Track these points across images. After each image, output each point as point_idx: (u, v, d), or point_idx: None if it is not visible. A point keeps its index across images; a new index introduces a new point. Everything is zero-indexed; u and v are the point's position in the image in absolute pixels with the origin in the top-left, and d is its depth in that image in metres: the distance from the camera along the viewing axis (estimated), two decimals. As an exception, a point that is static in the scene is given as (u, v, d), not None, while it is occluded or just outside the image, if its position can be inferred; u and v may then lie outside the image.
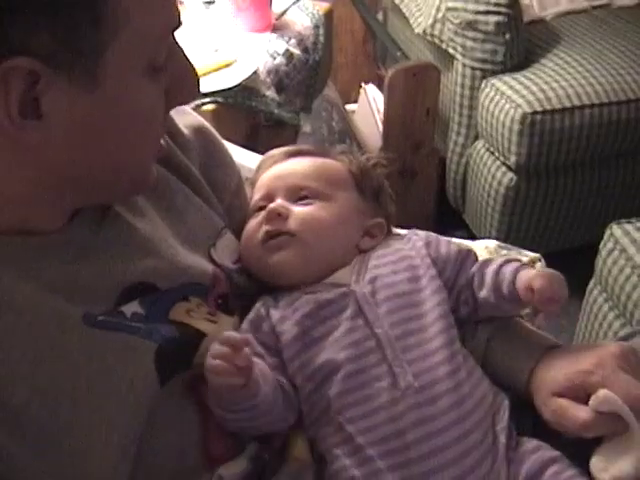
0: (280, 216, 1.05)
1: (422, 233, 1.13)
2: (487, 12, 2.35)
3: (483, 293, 1.04)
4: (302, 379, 0.97)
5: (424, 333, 0.99)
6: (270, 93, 2.08)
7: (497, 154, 2.42)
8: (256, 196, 1.13)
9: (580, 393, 0.95)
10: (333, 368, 0.96)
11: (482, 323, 1.07)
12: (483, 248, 1.62)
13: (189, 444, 0.92)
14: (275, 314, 1.01)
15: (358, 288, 1.02)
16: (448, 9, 2.43)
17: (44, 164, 0.82)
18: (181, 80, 0.89)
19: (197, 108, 1.95)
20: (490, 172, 2.45)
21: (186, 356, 0.94)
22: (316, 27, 2.24)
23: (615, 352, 0.96)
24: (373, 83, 2.79)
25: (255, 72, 2.04)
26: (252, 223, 1.09)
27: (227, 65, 2.04)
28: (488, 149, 2.48)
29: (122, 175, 0.89)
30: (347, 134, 2.74)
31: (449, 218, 2.74)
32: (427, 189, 2.67)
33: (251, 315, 1.03)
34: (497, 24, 2.34)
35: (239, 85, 1.99)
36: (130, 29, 0.78)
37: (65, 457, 0.84)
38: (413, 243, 1.10)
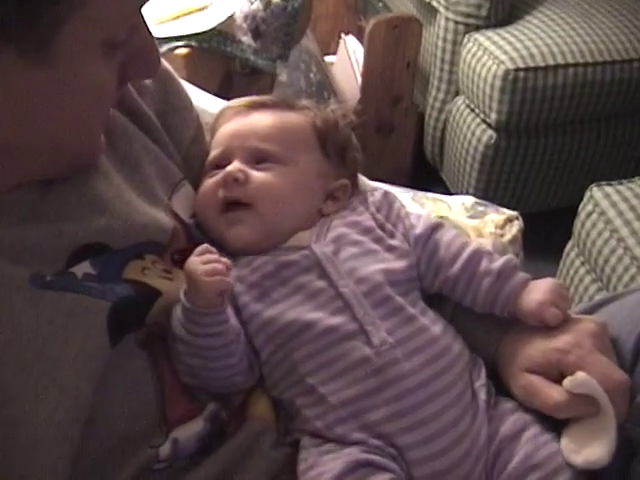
0: (237, 181, 1.00)
1: (378, 194, 1.08)
2: (473, -36, 2.29)
3: (467, 302, 1.00)
4: (264, 339, 0.94)
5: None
6: (246, 39, 2.03)
7: (477, 111, 2.37)
8: (213, 152, 1.07)
9: (553, 371, 0.92)
10: (299, 328, 0.93)
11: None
12: (460, 204, 1.59)
13: (143, 406, 0.88)
14: (232, 273, 0.95)
15: (318, 248, 0.98)
16: (433, -40, 2.37)
17: None
18: (141, 56, 0.86)
19: (170, 52, 1.89)
20: (470, 129, 2.41)
21: (139, 315, 0.90)
22: (296, -27, 2.17)
23: (592, 331, 0.93)
24: (353, 34, 2.72)
25: (231, 16, 1.97)
26: (208, 183, 1.03)
27: (202, 8, 1.98)
28: (468, 105, 2.43)
29: (65, 148, 0.86)
30: (325, 86, 2.68)
31: (426, 174, 2.70)
32: (405, 144, 2.63)
33: None
34: (483, -23, 2.29)
35: (214, 29, 1.93)
36: (91, 6, 0.74)
37: (9, 424, 0.80)
38: (367, 204, 1.06)
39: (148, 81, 1.05)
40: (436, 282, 1.01)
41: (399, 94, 2.52)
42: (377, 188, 1.20)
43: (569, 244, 1.99)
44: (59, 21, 0.73)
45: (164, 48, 1.89)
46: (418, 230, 1.02)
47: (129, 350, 0.88)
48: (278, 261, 0.97)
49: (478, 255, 1.00)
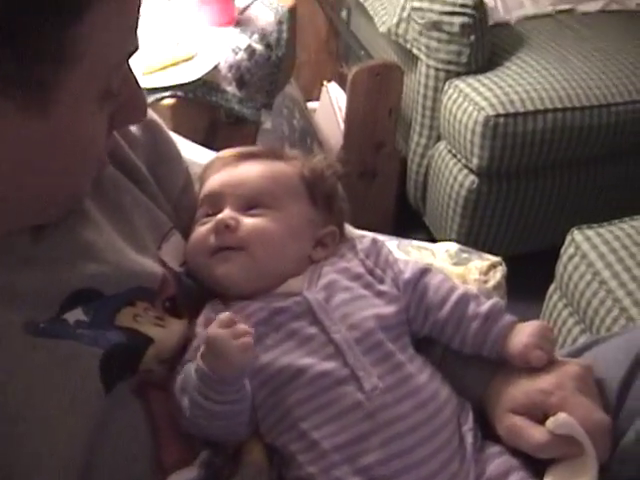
0: (228, 228, 1.01)
1: (367, 241, 1.10)
2: (452, 13, 2.33)
3: (455, 344, 1.01)
4: (257, 384, 0.94)
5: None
6: (231, 89, 2.05)
7: (459, 156, 2.40)
8: (203, 201, 1.09)
9: (537, 412, 0.94)
10: (293, 374, 0.94)
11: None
12: (444, 251, 1.60)
13: (139, 452, 0.89)
14: None
15: (311, 295, 0.99)
16: (413, 9, 2.41)
17: None
18: (131, 104, 0.87)
19: (156, 102, 1.92)
20: (452, 174, 2.43)
21: (131, 362, 0.91)
22: (280, 23, 2.21)
23: (575, 373, 0.95)
24: (335, 81, 2.76)
25: (216, 67, 2.00)
26: (200, 231, 1.05)
27: (188, 59, 2.00)
28: (450, 151, 2.46)
29: (52, 197, 0.86)
30: (308, 132, 2.71)
31: (409, 220, 2.72)
32: (387, 190, 2.65)
33: (201, 319, 0.99)
34: (462, 25, 2.33)
35: (199, 80, 1.96)
36: (87, 61, 0.75)
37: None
38: (355, 251, 1.07)
39: (138, 133, 1.06)
40: (425, 325, 1.02)
41: (382, 140, 2.54)
42: (364, 235, 1.22)
43: (552, 286, 2.00)
44: (59, 78, 0.74)
45: (151, 98, 1.91)
46: (407, 275, 1.04)
47: (122, 398, 0.88)
48: (272, 307, 0.98)
49: (466, 298, 1.02)
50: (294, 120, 2.88)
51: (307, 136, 2.75)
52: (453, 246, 1.61)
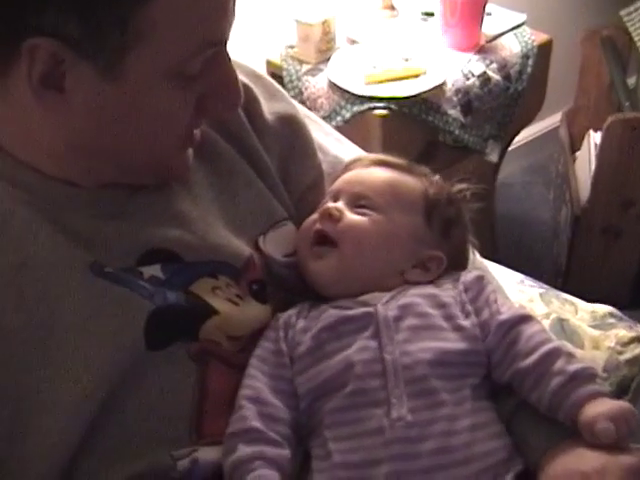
0: (331, 217, 1.03)
1: (471, 275, 1.05)
2: None
3: (533, 398, 0.95)
4: (305, 391, 0.97)
5: None
6: (454, 112, 2.03)
7: None
8: (327, 195, 1.12)
9: None
10: (336, 385, 0.94)
11: None
12: (590, 311, 1.50)
13: (177, 412, 0.93)
14: (300, 323, 1.00)
15: (383, 309, 0.98)
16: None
17: (70, 129, 0.89)
18: (220, 92, 0.92)
19: (368, 111, 1.95)
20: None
21: (188, 326, 0.95)
22: (525, 57, 2.15)
23: (628, 465, 0.88)
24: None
25: (439, 87, 1.99)
26: (309, 218, 1.08)
27: (414, 76, 2.01)
28: None
29: (138, 160, 0.94)
30: (565, 180, 2.61)
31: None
32: (631, 252, 2.49)
33: (285, 316, 1.02)
34: None
35: (418, 96, 1.96)
36: (156, 40, 0.82)
37: (32, 386, 0.89)
38: (457, 283, 1.04)
39: (276, 123, 1.12)
40: (508, 372, 0.97)
41: (631, 198, 2.39)
42: (483, 268, 1.21)
43: None
44: (125, 48, 0.82)
45: (364, 107, 1.95)
46: (504, 317, 0.99)
47: (176, 357, 0.93)
48: (340, 315, 0.99)
49: (557, 352, 0.95)
50: (559, 165, 2.78)
51: (564, 183, 2.64)
52: (604, 308, 1.50)
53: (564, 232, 2.56)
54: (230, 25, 0.88)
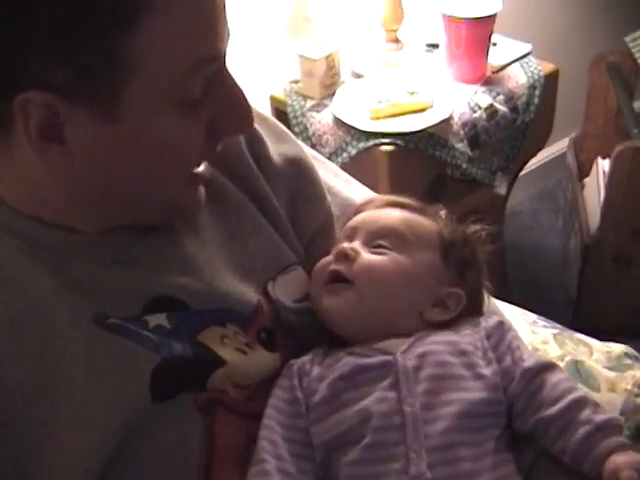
0: (347, 257, 1.01)
1: (493, 321, 1.03)
2: None
3: (556, 448, 0.92)
4: (320, 443, 0.94)
5: None
6: (461, 146, 2.01)
7: None
8: (340, 236, 1.10)
9: None
10: (353, 438, 0.92)
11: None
12: (605, 351, 1.49)
13: (184, 465, 0.91)
14: (315, 371, 0.98)
15: (402, 359, 0.95)
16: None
17: (72, 179, 0.86)
18: (228, 113, 0.89)
19: (374, 147, 1.93)
20: None
21: (196, 378, 0.93)
22: (532, 87, 2.13)
23: None
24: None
25: (445, 121, 1.97)
26: (323, 259, 1.06)
27: (420, 110, 1.99)
28: None
29: (149, 199, 0.91)
30: (574, 208, 2.58)
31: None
32: (642, 281, 2.45)
33: (299, 363, 1.00)
34: None
35: (424, 131, 1.94)
36: (149, 68, 0.80)
37: (33, 443, 0.86)
38: (477, 329, 1.02)
39: (284, 165, 1.09)
40: (531, 421, 0.94)
41: (641, 227, 2.36)
42: (499, 312, 1.18)
43: None
44: (119, 83, 0.79)
45: (369, 143, 1.93)
46: (528, 364, 0.97)
47: (183, 408, 0.91)
48: (358, 364, 0.96)
49: (583, 402, 0.92)
50: (567, 193, 2.76)
51: (572, 211, 2.62)
52: (620, 348, 1.47)
53: (574, 261, 2.54)
54: (223, 39, 0.85)
